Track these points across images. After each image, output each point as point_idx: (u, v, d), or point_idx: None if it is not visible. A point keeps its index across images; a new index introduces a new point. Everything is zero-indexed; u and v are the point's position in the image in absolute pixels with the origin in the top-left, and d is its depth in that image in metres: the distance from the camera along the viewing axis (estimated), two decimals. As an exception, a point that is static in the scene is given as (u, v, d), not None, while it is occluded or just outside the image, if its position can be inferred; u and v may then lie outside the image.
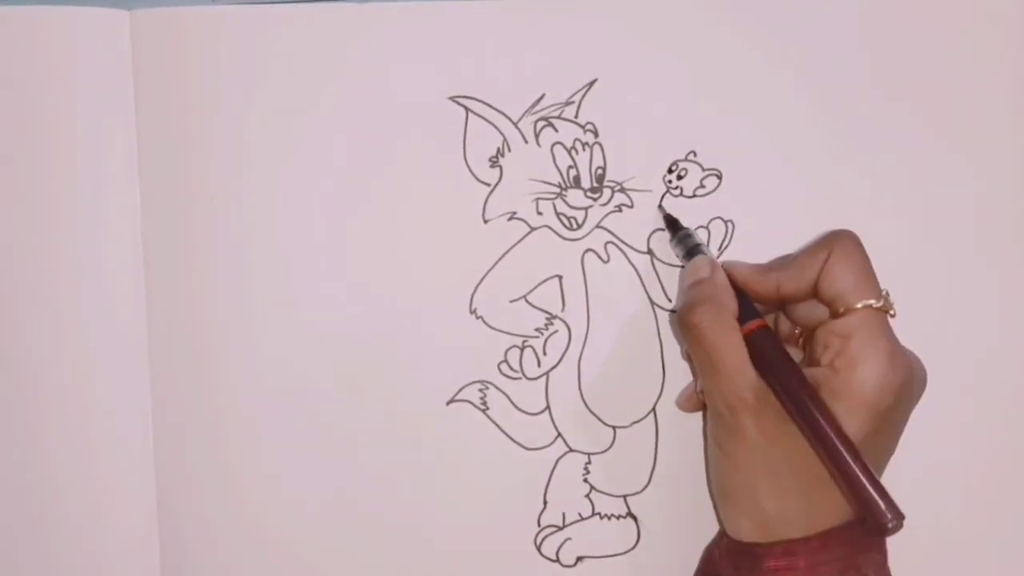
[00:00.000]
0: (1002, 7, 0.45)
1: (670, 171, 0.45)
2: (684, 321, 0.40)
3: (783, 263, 0.42)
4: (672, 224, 0.45)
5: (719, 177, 0.45)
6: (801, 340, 0.43)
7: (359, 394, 0.45)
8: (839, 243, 0.40)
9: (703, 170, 0.45)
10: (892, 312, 0.40)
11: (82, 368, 0.45)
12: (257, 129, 0.45)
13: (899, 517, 0.37)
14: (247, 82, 0.45)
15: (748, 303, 0.41)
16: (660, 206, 0.45)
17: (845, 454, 0.37)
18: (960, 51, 0.45)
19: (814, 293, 0.41)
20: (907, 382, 0.39)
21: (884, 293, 0.40)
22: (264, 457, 0.46)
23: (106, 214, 0.45)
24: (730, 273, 0.42)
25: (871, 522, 0.37)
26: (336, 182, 0.45)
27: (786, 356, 0.40)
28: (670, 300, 0.45)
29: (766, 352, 0.40)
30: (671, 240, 0.45)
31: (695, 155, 0.45)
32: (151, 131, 0.45)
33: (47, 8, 0.44)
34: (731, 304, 0.41)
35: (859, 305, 0.39)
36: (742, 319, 0.40)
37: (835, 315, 0.40)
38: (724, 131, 0.45)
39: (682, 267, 0.44)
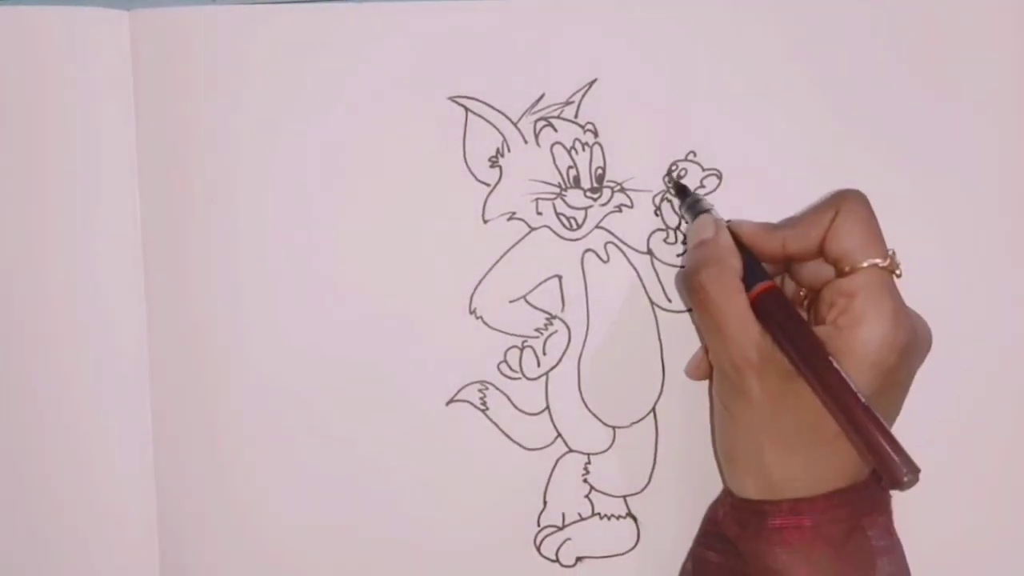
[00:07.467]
0: (998, 5, 0.45)
1: (670, 171, 0.45)
2: (688, 283, 0.40)
3: (790, 221, 0.42)
4: (681, 191, 0.45)
5: (719, 177, 0.45)
6: (806, 302, 0.43)
7: (359, 394, 0.45)
8: (846, 202, 0.40)
9: (703, 170, 0.45)
10: (898, 272, 0.39)
11: (82, 370, 0.45)
12: (257, 129, 0.45)
13: (914, 471, 0.36)
14: (247, 82, 0.45)
15: (757, 264, 0.41)
16: (668, 173, 0.45)
17: (858, 410, 0.37)
18: (960, 48, 0.45)
19: (820, 252, 0.40)
20: (911, 342, 0.39)
21: (891, 252, 0.39)
22: (263, 458, 0.46)
23: (106, 214, 0.45)
24: (735, 232, 0.42)
25: (886, 477, 0.37)
26: (337, 182, 0.45)
27: (796, 315, 0.39)
28: (670, 300, 0.45)
29: (776, 312, 0.39)
30: (680, 207, 0.45)
31: (695, 155, 0.45)
32: (151, 131, 0.45)
33: (47, 8, 0.44)
34: (735, 264, 0.40)
35: (865, 264, 0.39)
36: (751, 280, 0.40)
37: (840, 274, 0.40)
38: (724, 131, 0.45)
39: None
